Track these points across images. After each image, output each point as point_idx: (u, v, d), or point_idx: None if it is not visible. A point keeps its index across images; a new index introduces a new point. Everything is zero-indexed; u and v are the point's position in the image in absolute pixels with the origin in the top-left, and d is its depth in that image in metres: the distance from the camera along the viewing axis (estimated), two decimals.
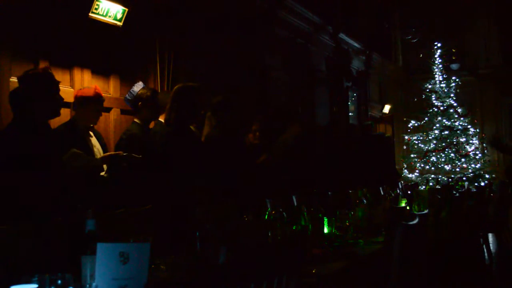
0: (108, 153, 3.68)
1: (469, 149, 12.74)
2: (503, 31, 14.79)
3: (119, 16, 5.31)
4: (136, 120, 4.31)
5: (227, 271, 2.04)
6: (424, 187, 8.94)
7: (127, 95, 4.40)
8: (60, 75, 4.83)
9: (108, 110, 5.45)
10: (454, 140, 12.67)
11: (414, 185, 7.47)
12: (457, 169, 12.42)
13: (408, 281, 2.61)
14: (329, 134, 6.52)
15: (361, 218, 3.41)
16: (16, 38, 4.52)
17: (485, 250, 6.32)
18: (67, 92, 4.50)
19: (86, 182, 3.35)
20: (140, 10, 5.54)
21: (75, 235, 2.27)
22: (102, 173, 3.71)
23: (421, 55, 13.91)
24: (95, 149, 3.84)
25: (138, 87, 4.36)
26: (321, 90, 10.13)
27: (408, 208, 4.04)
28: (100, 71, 5.40)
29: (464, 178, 11.95)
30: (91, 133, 3.93)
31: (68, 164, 3.20)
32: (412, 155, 13.07)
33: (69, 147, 3.32)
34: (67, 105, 4.25)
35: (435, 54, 13.22)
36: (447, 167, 12.44)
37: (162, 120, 4.30)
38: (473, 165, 12.50)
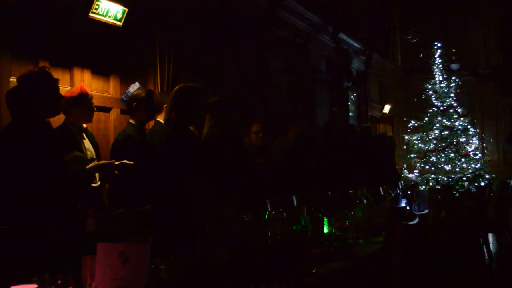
0: (101, 162, 3.59)
1: (469, 149, 12.73)
2: (503, 31, 14.80)
3: (119, 16, 5.31)
4: (131, 121, 4.29)
5: (227, 271, 2.04)
6: (424, 187, 8.94)
7: (123, 96, 4.37)
8: (60, 75, 4.83)
9: (108, 110, 5.45)
10: (454, 140, 12.67)
11: (414, 185, 7.47)
12: (457, 169, 12.41)
13: (408, 281, 2.61)
14: (329, 134, 6.52)
15: (361, 218, 3.41)
16: (16, 38, 4.52)
17: (485, 250, 6.32)
18: None
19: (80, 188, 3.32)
20: (140, 10, 5.54)
21: (75, 235, 2.27)
22: (95, 184, 3.66)
23: (421, 55, 13.90)
24: (88, 153, 3.79)
25: (133, 87, 4.35)
26: (321, 90, 10.14)
27: (408, 208, 4.04)
28: (100, 71, 5.40)
29: (464, 178, 11.94)
30: (84, 135, 3.89)
31: (69, 166, 3.19)
32: (412, 155, 13.07)
33: (64, 152, 3.29)
34: None
35: (435, 54, 13.22)
36: (447, 167, 12.44)
37: (161, 120, 4.30)
38: (473, 165, 12.50)
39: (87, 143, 3.86)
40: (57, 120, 3.80)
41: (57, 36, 4.83)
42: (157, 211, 3.16)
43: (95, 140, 4.03)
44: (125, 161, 3.45)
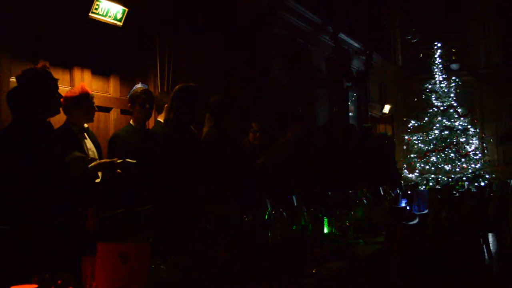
0: (103, 160, 3.61)
1: (469, 149, 12.73)
2: (503, 31, 14.80)
3: (119, 16, 5.31)
4: (130, 121, 4.30)
5: (227, 271, 2.04)
6: (424, 187, 8.94)
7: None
8: (60, 75, 4.83)
9: (108, 110, 5.45)
10: (454, 140, 12.67)
11: (414, 185, 7.47)
12: (457, 169, 12.42)
13: (408, 281, 2.61)
14: (329, 134, 6.52)
15: (361, 218, 3.41)
16: (16, 38, 4.52)
17: (485, 250, 6.32)
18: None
19: (82, 188, 3.33)
20: (140, 10, 5.54)
21: (75, 235, 2.27)
22: (97, 180, 3.67)
23: (421, 55, 13.90)
24: (90, 152, 3.80)
25: (135, 88, 4.37)
26: (321, 90, 10.14)
27: (408, 208, 4.04)
28: (100, 71, 5.40)
29: (464, 178, 11.95)
30: (85, 135, 3.89)
31: (69, 167, 3.19)
32: (412, 155, 13.07)
33: (65, 152, 3.29)
34: None
35: (435, 54, 13.23)
36: (447, 167, 12.44)
37: (162, 120, 4.30)
38: (473, 165, 12.50)
39: (88, 143, 3.86)
40: (58, 120, 3.81)
41: (57, 36, 4.82)
42: (157, 211, 3.16)
43: (97, 140, 4.03)
44: (127, 159, 3.45)
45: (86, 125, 3.92)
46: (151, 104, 4.35)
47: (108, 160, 3.53)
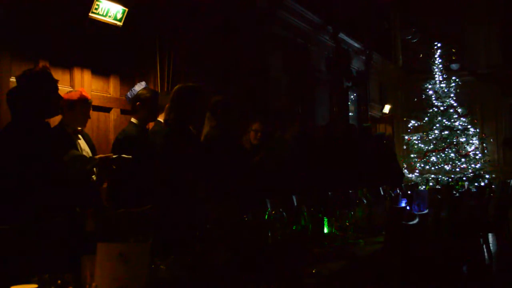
0: (98, 156, 3.61)
1: (469, 149, 12.73)
2: (503, 31, 14.80)
3: (119, 16, 5.31)
4: (133, 120, 4.29)
5: (227, 271, 2.04)
6: (424, 187, 8.94)
7: (128, 94, 4.38)
8: (60, 75, 4.84)
9: (108, 110, 5.45)
10: (454, 140, 12.67)
11: (414, 185, 7.48)
12: (457, 169, 12.41)
13: (408, 281, 2.61)
14: (329, 134, 6.52)
15: (361, 218, 3.41)
16: (16, 38, 4.52)
17: (485, 250, 6.32)
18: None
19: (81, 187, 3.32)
20: (140, 10, 5.54)
21: (75, 235, 2.27)
22: (93, 176, 3.67)
23: (421, 55, 13.90)
24: (84, 153, 3.80)
25: (139, 86, 4.35)
26: (321, 90, 10.14)
27: (408, 208, 4.04)
28: (100, 71, 5.40)
29: (464, 178, 11.94)
30: (79, 136, 3.89)
31: (69, 166, 3.19)
32: (412, 155, 13.07)
33: (62, 151, 3.28)
34: None
35: (435, 54, 13.22)
36: (447, 167, 12.44)
37: (162, 120, 4.30)
38: (473, 165, 12.50)
39: (82, 143, 3.86)
40: (53, 120, 3.80)
41: (57, 36, 4.82)
42: (157, 211, 3.16)
43: (92, 141, 4.03)
44: (123, 155, 3.45)
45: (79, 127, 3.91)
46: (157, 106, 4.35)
47: (103, 155, 3.53)
